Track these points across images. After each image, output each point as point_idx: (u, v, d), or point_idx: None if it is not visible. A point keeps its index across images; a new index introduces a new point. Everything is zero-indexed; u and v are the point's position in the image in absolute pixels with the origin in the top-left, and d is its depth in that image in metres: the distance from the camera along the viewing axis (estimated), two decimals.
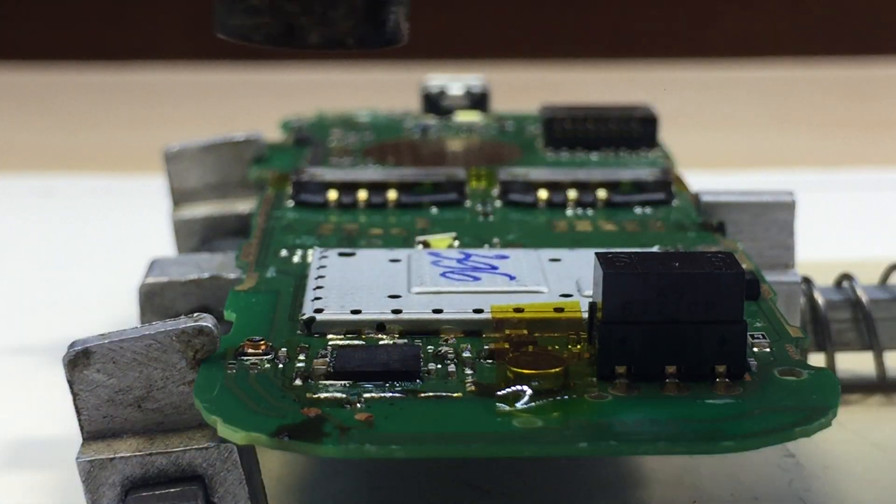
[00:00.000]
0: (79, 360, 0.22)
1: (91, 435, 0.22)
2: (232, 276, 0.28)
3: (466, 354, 0.23)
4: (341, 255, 0.27)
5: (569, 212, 0.31)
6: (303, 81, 0.62)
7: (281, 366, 0.23)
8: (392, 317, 0.24)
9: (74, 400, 0.22)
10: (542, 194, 0.31)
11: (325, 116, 0.39)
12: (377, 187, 0.31)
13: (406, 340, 0.24)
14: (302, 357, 0.23)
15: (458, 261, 0.27)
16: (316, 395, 0.22)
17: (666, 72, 0.68)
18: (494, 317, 0.24)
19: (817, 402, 0.22)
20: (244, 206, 0.34)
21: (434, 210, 0.31)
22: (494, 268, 0.27)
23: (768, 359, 0.23)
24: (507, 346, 0.23)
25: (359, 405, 0.21)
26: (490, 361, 0.23)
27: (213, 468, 0.22)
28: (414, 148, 0.36)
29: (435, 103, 0.39)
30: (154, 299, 0.28)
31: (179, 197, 0.34)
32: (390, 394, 0.22)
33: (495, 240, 0.29)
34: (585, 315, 0.24)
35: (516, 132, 0.37)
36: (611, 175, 0.32)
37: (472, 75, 0.40)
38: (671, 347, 0.22)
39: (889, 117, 0.59)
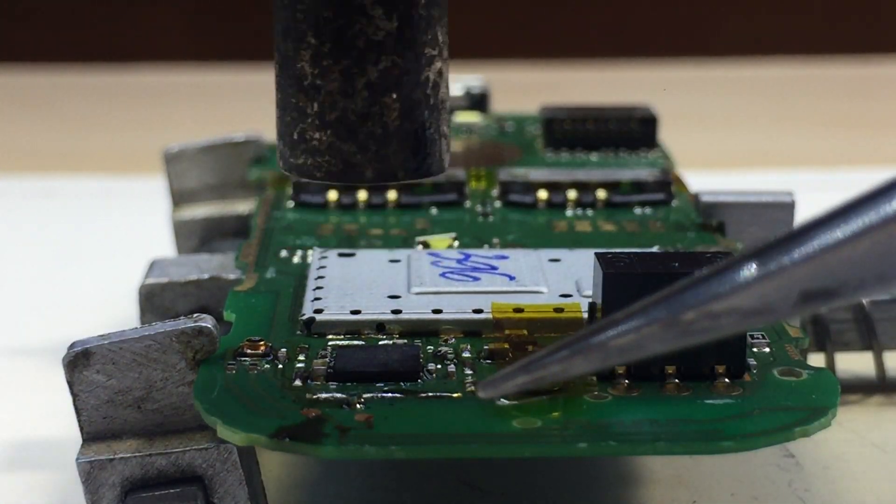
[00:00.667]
0: (79, 360, 0.22)
1: (91, 436, 0.22)
2: (232, 276, 0.28)
3: (466, 354, 0.23)
4: (341, 255, 0.27)
5: (569, 212, 0.31)
6: None
7: (281, 366, 0.23)
8: (392, 317, 0.24)
9: (74, 401, 0.22)
10: (542, 194, 0.31)
11: None
12: (377, 187, 0.31)
13: (406, 341, 0.24)
14: (302, 357, 0.23)
15: (458, 261, 0.27)
16: (315, 396, 0.22)
17: (666, 72, 0.68)
18: (494, 317, 0.24)
19: (817, 402, 0.22)
20: (244, 206, 0.34)
21: (434, 210, 0.31)
22: (494, 268, 0.27)
23: (768, 359, 0.23)
24: (507, 346, 0.23)
25: (358, 405, 0.21)
26: (490, 361, 0.23)
27: (213, 469, 0.22)
28: None
29: None
30: (154, 300, 0.28)
31: (179, 198, 0.34)
32: (390, 394, 0.22)
33: (495, 240, 0.29)
34: (585, 315, 0.24)
35: (516, 132, 0.37)
36: (611, 175, 0.32)
37: (472, 75, 0.40)
38: None
39: (889, 117, 0.59)
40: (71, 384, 0.22)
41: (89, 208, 0.46)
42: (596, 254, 0.23)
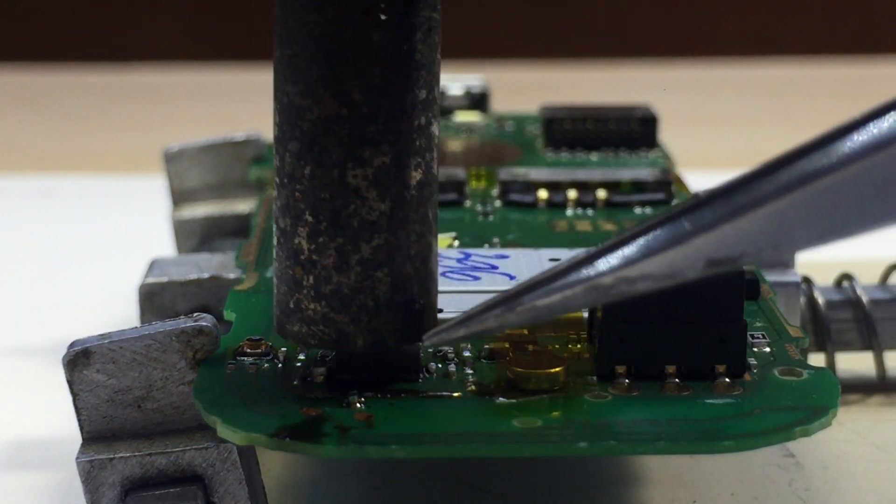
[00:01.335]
0: (79, 360, 0.22)
1: (91, 435, 0.22)
2: (232, 276, 0.28)
3: (466, 354, 0.23)
4: None
5: (569, 212, 0.31)
6: None
7: (281, 366, 0.23)
8: None
9: (74, 400, 0.22)
10: (542, 194, 0.31)
11: None
12: None
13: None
14: (302, 357, 0.23)
15: (458, 260, 0.27)
16: (316, 395, 0.22)
17: (666, 72, 0.68)
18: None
19: (817, 401, 0.22)
20: (244, 206, 0.34)
21: None
22: (494, 267, 0.27)
23: (768, 358, 0.23)
24: (507, 345, 0.23)
25: (359, 405, 0.21)
26: (490, 361, 0.23)
27: (213, 468, 0.22)
28: None
29: None
30: (154, 299, 0.28)
31: (179, 197, 0.34)
32: (390, 394, 0.22)
33: (495, 239, 0.29)
34: (585, 315, 0.24)
35: (516, 132, 0.37)
36: (611, 175, 0.32)
37: (472, 75, 0.40)
38: (671, 347, 0.22)
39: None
40: (71, 383, 0.22)
41: (89, 208, 0.46)
42: None
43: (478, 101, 0.39)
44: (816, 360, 0.27)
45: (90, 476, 0.22)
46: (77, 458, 0.22)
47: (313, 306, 0.22)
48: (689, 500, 0.26)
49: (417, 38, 0.21)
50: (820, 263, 0.31)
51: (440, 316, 0.24)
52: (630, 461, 0.27)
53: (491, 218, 0.30)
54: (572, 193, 0.31)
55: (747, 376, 0.22)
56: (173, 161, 0.34)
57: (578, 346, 0.23)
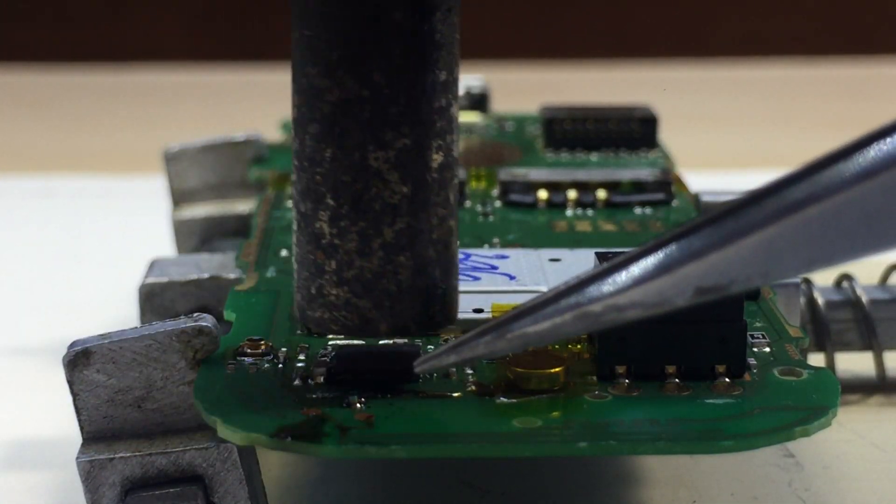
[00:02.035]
0: (79, 360, 0.22)
1: (91, 435, 0.22)
2: (232, 276, 0.28)
3: None
4: None
5: (569, 212, 0.31)
6: None
7: (281, 366, 0.23)
8: None
9: (74, 400, 0.22)
10: (542, 194, 0.31)
11: None
12: None
13: (406, 340, 0.24)
14: (302, 357, 0.23)
15: (458, 261, 0.27)
16: (316, 395, 0.22)
17: (666, 72, 0.68)
18: (494, 317, 0.24)
19: (817, 401, 0.22)
20: (244, 206, 0.34)
21: None
22: (494, 268, 0.27)
23: (768, 359, 0.23)
24: None
25: (359, 405, 0.21)
26: (490, 361, 0.23)
27: (213, 468, 0.22)
28: None
29: None
30: (154, 299, 0.28)
31: (179, 197, 0.34)
32: (390, 394, 0.22)
33: (495, 240, 0.29)
34: None
35: (516, 132, 0.37)
36: (611, 175, 0.32)
37: (472, 75, 0.40)
38: (671, 347, 0.22)
39: (888, 117, 0.59)
40: (71, 383, 0.22)
41: (89, 208, 0.46)
42: (596, 253, 0.23)
43: (478, 101, 0.39)
44: (816, 360, 0.27)
45: (90, 476, 0.22)
46: (77, 458, 0.22)
47: (336, 292, 0.21)
48: (689, 500, 0.26)
49: (437, 19, 0.21)
50: None
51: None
52: (630, 461, 0.27)
53: (491, 218, 0.30)
54: (572, 194, 0.31)
55: (747, 376, 0.22)
56: (173, 161, 0.34)
57: (578, 346, 0.23)
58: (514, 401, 0.22)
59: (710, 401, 0.22)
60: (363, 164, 0.21)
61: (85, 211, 0.46)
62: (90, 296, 0.37)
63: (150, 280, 0.28)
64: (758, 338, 0.24)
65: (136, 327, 0.23)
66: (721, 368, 0.22)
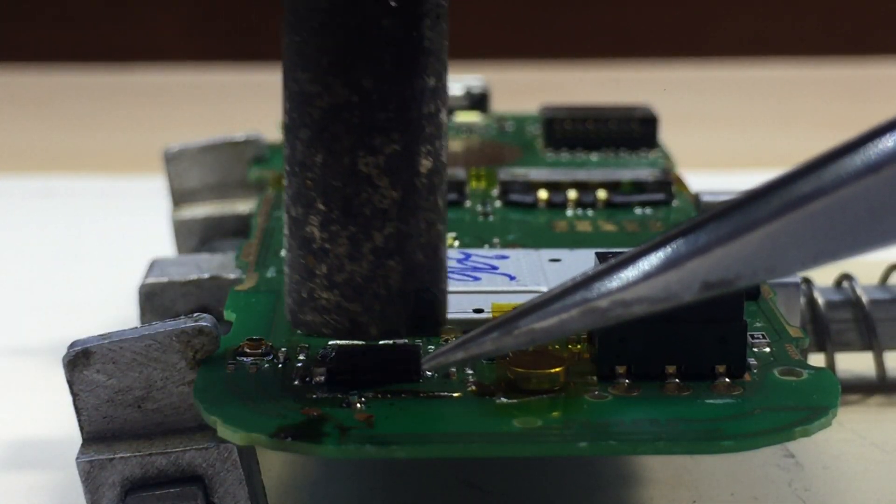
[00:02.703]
0: (79, 360, 0.22)
1: (91, 435, 0.22)
2: (232, 276, 0.28)
3: None
4: None
5: (569, 212, 0.31)
6: None
7: (281, 366, 0.23)
8: None
9: (74, 400, 0.22)
10: (542, 194, 0.31)
11: None
12: None
13: (406, 340, 0.24)
14: (302, 357, 0.23)
15: (458, 261, 0.27)
16: (316, 395, 0.22)
17: (666, 72, 0.68)
18: (495, 317, 0.24)
19: (817, 402, 0.22)
20: (244, 206, 0.34)
21: None
22: (494, 268, 0.27)
23: (768, 359, 0.23)
24: None
25: (359, 405, 0.21)
26: (490, 361, 0.23)
27: (213, 468, 0.22)
28: None
29: None
30: (154, 299, 0.28)
31: (179, 197, 0.34)
32: (390, 394, 0.22)
33: (495, 240, 0.29)
34: None
35: (516, 132, 0.37)
36: (611, 175, 0.32)
37: (472, 75, 0.40)
38: (671, 347, 0.22)
39: (889, 117, 0.59)
40: (71, 384, 0.22)
41: (89, 208, 0.46)
42: (596, 253, 0.23)
43: (478, 101, 0.39)
44: (816, 360, 0.27)
45: (90, 476, 0.22)
46: (77, 458, 0.22)
47: (326, 295, 0.22)
48: (689, 500, 0.26)
49: (426, 25, 0.21)
50: None
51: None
52: (630, 461, 0.27)
53: (491, 218, 0.30)
54: (572, 194, 0.31)
55: (747, 376, 0.22)
56: (173, 161, 0.34)
57: (578, 346, 0.23)
58: (514, 401, 0.22)
59: (711, 401, 0.22)
60: (353, 169, 0.21)
61: (85, 211, 0.46)
62: (90, 296, 0.37)
63: (150, 280, 0.28)
64: (758, 338, 0.24)
65: (136, 327, 0.23)
66: (721, 368, 0.22)
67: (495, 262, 0.27)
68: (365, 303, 0.22)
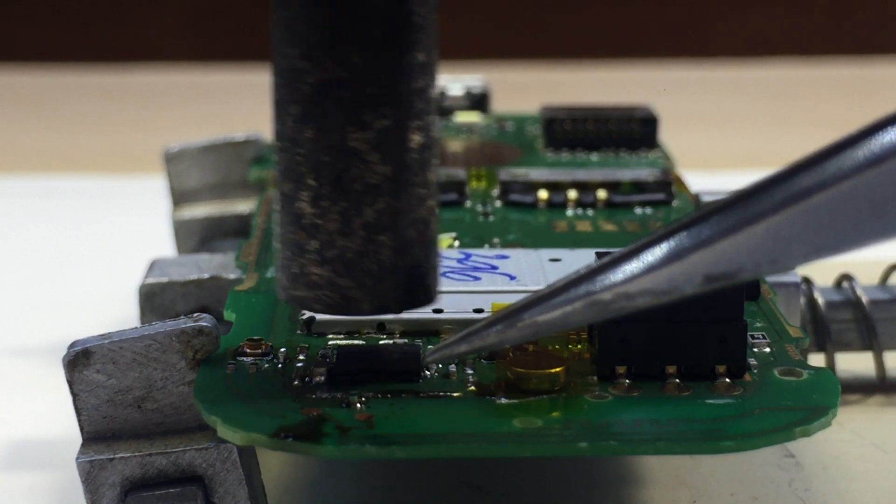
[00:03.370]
0: (79, 360, 0.22)
1: (91, 435, 0.22)
2: (232, 276, 0.28)
3: None
4: None
5: (569, 212, 0.31)
6: None
7: (281, 366, 0.23)
8: (392, 316, 0.24)
9: (74, 400, 0.22)
10: (542, 194, 0.31)
11: None
12: None
13: (406, 340, 0.24)
14: (302, 357, 0.23)
15: (459, 261, 0.27)
16: (316, 395, 0.22)
17: (666, 72, 0.68)
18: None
19: (817, 402, 0.22)
20: (244, 206, 0.34)
21: None
22: (494, 268, 0.27)
23: (768, 359, 0.23)
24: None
25: (359, 405, 0.21)
26: (490, 361, 0.23)
27: (213, 468, 0.22)
28: None
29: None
30: (154, 299, 0.28)
31: (179, 197, 0.34)
32: (390, 394, 0.22)
33: (495, 240, 0.29)
34: None
35: (516, 132, 0.37)
36: (611, 175, 0.32)
37: (472, 75, 0.40)
38: (671, 347, 0.22)
39: (890, 112, 0.59)
40: (71, 384, 0.22)
41: (89, 208, 0.46)
42: (597, 253, 0.23)
43: (478, 101, 0.39)
44: (816, 360, 0.27)
45: (90, 476, 0.22)
46: (77, 458, 0.22)
47: (318, 271, 0.21)
48: (689, 500, 0.26)
49: (415, 1, 0.21)
50: (820, 263, 0.31)
51: (441, 316, 0.24)
52: (630, 461, 0.27)
53: (491, 218, 0.30)
54: (572, 194, 0.31)
55: (747, 376, 0.22)
56: (173, 161, 0.34)
57: (579, 346, 0.23)
58: (514, 401, 0.22)
59: (711, 401, 0.22)
60: (343, 144, 0.21)
61: (85, 211, 0.46)
62: (90, 296, 0.37)
63: (150, 280, 0.28)
64: (758, 338, 0.24)
65: (136, 327, 0.23)
66: (721, 368, 0.22)
67: (495, 262, 0.27)
68: (356, 278, 0.21)
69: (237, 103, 0.62)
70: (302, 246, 0.22)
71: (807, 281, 0.30)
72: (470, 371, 0.23)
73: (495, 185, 0.32)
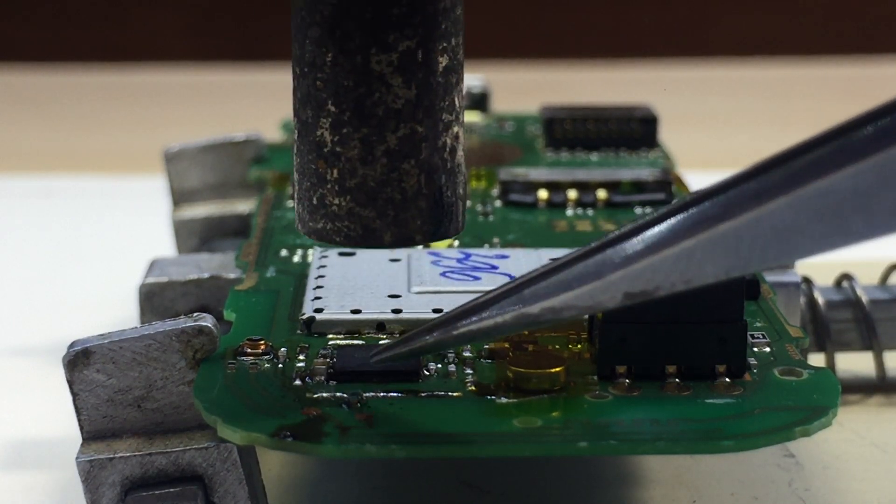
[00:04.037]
0: (79, 360, 0.22)
1: (91, 435, 0.22)
2: (232, 276, 0.28)
3: (466, 354, 0.23)
4: (341, 254, 0.27)
5: (569, 211, 0.31)
6: None
7: (281, 366, 0.23)
8: (392, 316, 0.24)
9: (74, 400, 0.22)
10: (543, 194, 0.31)
11: None
12: None
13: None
14: (302, 357, 0.23)
15: (458, 260, 0.27)
16: (316, 395, 0.22)
17: (666, 72, 0.68)
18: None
19: (817, 401, 0.22)
20: (244, 206, 0.34)
21: None
22: (494, 267, 0.27)
23: (768, 359, 0.23)
24: (507, 345, 0.23)
25: (359, 405, 0.21)
26: (490, 360, 0.23)
27: (213, 468, 0.22)
28: None
29: None
30: (154, 299, 0.28)
31: (179, 197, 0.34)
32: (390, 394, 0.22)
33: (495, 240, 0.29)
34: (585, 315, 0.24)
35: (516, 132, 0.37)
36: (611, 175, 0.32)
37: (472, 75, 0.40)
38: (671, 347, 0.22)
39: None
40: (71, 383, 0.22)
41: (89, 208, 0.46)
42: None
43: (478, 101, 0.39)
44: (816, 360, 0.27)
45: (90, 476, 0.22)
46: (77, 457, 0.22)
47: (338, 201, 0.21)
48: (689, 500, 0.26)
49: None
50: (820, 263, 0.31)
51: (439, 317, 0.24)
52: (630, 461, 0.27)
53: (491, 218, 0.30)
54: (572, 193, 0.31)
55: (747, 376, 0.22)
56: (173, 161, 0.34)
57: (579, 346, 0.23)
58: (514, 401, 0.22)
59: (711, 401, 0.22)
60: (365, 67, 0.20)
61: (85, 211, 0.46)
62: (90, 296, 0.37)
63: (150, 280, 0.28)
64: (758, 338, 0.24)
65: (136, 327, 0.23)
66: (721, 368, 0.22)
67: (495, 262, 0.27)
68: (378, 208, 0.21)
69: (237, 103, 0.62)
70: (321, 175, 0.21)
71: (807, 281, 0.30)
72: (470, 371, 0.23)
73: (495, 184, 0.32)
